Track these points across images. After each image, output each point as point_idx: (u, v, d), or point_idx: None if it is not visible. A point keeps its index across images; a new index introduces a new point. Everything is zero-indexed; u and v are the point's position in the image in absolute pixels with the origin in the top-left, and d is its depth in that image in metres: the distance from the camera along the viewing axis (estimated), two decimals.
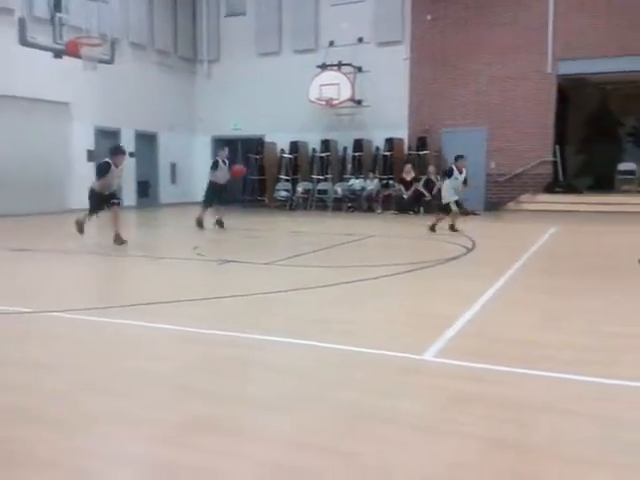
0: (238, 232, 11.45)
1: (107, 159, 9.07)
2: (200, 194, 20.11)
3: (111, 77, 16.12)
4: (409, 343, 4.18)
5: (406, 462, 2.53)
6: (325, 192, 17.80)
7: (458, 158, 11.42)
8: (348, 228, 12.46)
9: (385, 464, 2.52)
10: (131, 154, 17.98)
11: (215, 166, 11.86)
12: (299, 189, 18.16)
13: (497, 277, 6.50)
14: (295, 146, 18.56)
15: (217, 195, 11.81)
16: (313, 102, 17.51)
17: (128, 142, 17.84)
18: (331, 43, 18.28)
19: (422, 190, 15.97)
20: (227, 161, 12.01)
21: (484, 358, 3.83)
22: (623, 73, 16.34)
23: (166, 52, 19.29)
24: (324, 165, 18.13)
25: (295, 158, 18.52)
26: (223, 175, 11.82)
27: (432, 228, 11.13)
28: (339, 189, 17.63)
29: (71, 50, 13.29)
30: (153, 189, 19.19)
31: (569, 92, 18.32)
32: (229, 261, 7.69)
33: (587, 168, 19.09)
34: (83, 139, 16.52)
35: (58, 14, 13.37)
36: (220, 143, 20.53)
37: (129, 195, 17.99)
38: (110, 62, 14.63)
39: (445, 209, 11.13)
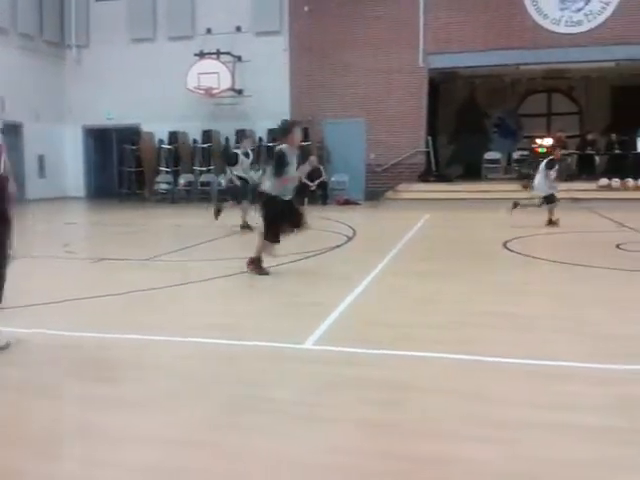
0: (114, 228, 10.92)
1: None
2: (72, 188, 19.39)
3: None
4: (290, 333, 4.20)
5: (286, 450, 2.54)
6: (208, 184, 17.45)
7: (556, 147, 10.83)
8: (232, 220, 12.28)
9: (266, 454, 2.51)
10: None
11: (234, 161, 10.01)
12: (181, 181, 17.67)
13: (375, 264, 6.73)
14: (174, 136, 17.99)
15: (245, 190, 10.06)
16: (192, 91, 17.06)
17: None
18: (208, 31, 17.86)
19: (306, 181, 16.09)
20: (251, 153, 10.45)
21: (362, 343, 3.93)
22: (488, 67, 17.42)
23: (30, 36, 17.90)
24: (206, 156, 17.76)
25: (175, 149, 17.96)
26: (245, 169, 10.14)
27: (551, 222, 10.05)
28: (223, 181, 17.35)
29: None
30: (19, 184, 17.66)
31: (440, 85, 19.27)
32: (103, 259, 7.32)
33: (457, 158, 20.22)
34: None
35: None
36: (92, 133, 19.59)
37: None
38: None
39: (551, 199, 10.20)
